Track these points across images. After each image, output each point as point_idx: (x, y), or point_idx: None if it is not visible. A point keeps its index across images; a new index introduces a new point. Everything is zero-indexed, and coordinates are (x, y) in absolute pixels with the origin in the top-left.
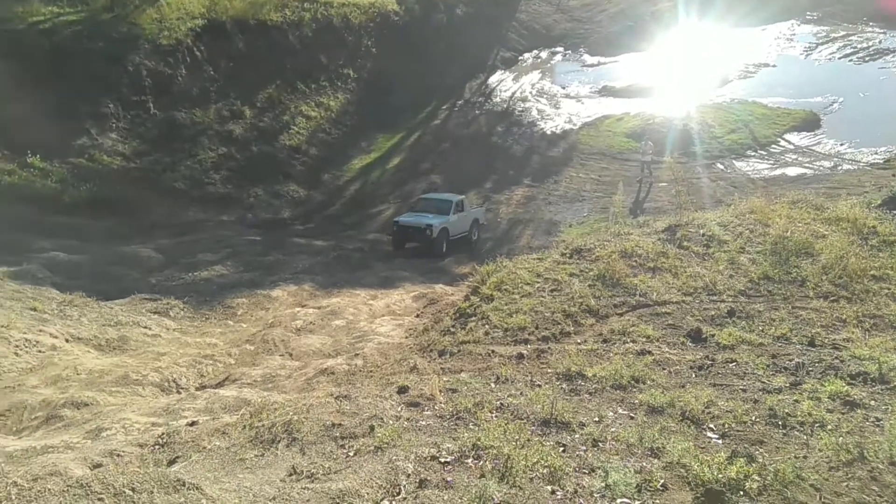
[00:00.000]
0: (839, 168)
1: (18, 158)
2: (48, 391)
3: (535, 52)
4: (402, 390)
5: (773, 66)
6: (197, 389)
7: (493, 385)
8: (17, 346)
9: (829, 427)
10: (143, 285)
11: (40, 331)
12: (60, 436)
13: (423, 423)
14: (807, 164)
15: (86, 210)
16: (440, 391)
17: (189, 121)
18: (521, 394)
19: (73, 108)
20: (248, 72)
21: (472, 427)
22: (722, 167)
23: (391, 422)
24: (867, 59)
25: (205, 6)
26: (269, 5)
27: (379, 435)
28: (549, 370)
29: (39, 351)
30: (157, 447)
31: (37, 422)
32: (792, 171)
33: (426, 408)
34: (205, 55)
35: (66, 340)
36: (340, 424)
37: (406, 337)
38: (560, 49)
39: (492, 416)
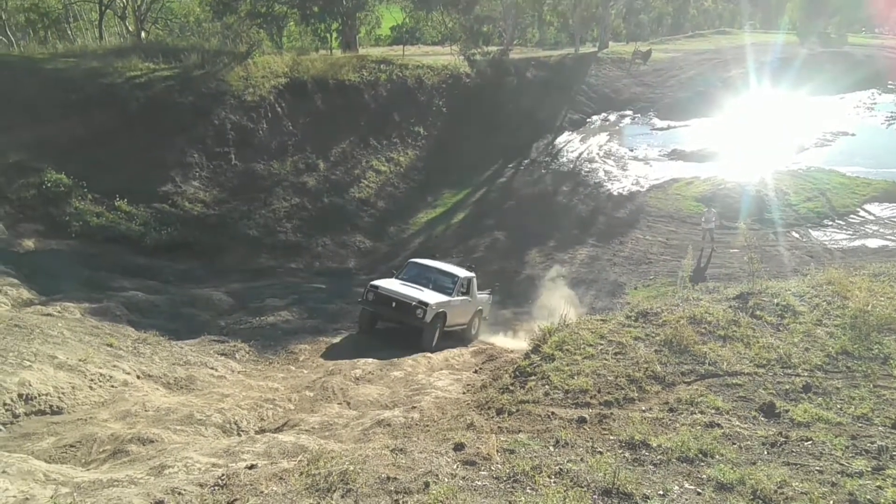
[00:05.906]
0: None
1: (107, 201)
2: (117, 426)
3: (604, 114)
4: (459, 447)
5: (853, 134)
6: (257, 433)
7: (551, 448)
8: (91, 380)
9: None
10: (213, 327)
11: (114, 366)
12: (125, 470)
13: (479, 483)
14: (889, 237)
15: (165, 253)
16: (497, 451)
17: (266, 172)
18: (581, 460)
19: (161, 156)
20: (324, 127)
21: (529, 492)
22: (797, 236)
23: (446, 479)
24: None
25: (288, 66)
26: (347, 66)
27: (434, 493)
28: (612, 437)
29: (112, 386)
30: (216, 488)
31: (104, 455)
32: (872, 243)
33: (482, 467)
34: (285, 111)
35: (138, 377)
36: (395, 478)
37: (464, 392)
38: (629, 112)
39: (550, 482)
